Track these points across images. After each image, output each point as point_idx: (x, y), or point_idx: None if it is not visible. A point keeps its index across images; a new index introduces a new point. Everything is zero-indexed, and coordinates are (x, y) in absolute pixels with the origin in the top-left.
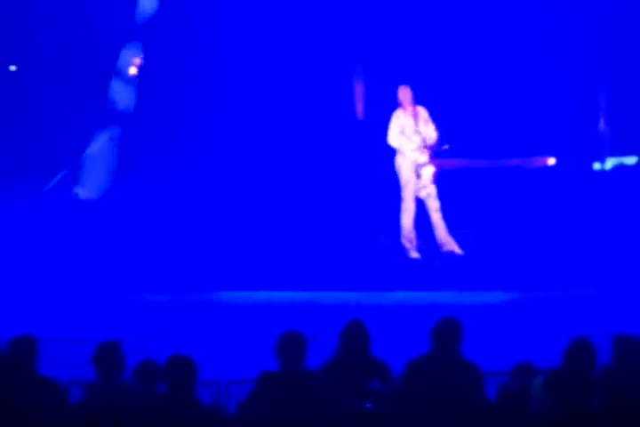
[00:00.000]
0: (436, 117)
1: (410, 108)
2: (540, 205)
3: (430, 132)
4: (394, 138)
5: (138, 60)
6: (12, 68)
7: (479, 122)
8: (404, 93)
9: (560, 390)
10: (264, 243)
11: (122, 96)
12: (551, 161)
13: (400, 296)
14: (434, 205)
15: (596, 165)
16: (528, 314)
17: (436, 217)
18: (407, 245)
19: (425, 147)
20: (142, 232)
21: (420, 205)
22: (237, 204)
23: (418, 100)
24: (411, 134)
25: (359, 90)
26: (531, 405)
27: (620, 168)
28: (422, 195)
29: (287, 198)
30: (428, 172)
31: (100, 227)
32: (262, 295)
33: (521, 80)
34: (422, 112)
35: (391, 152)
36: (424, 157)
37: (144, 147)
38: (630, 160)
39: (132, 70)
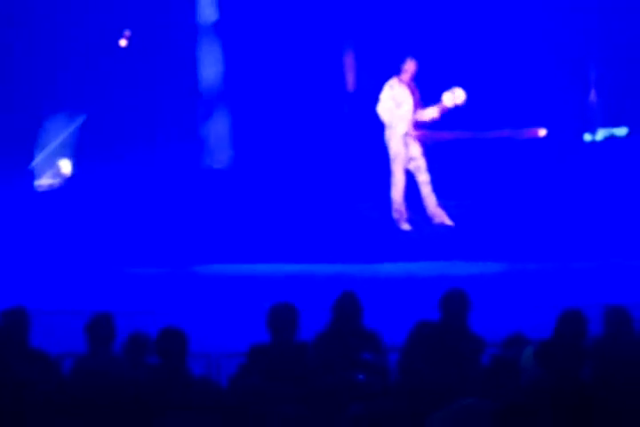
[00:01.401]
0: (426, 88)
1: (410, 82)
2: (531, 176)
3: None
4: (386, 109)
5: (128, 33)
6: None
7: (470, 93)
8: (411, 66)
9: (550, 360)
10: (256, 215)
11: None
12: (542, 132)
13: (391, 268)
14: (423, 178)
15: (587, 137)
16: (520, 285)
17: (426, 190)
18: (398, 217)
19: (416, 121)
20: (130, 207)
21: (411, 177)
22: (226, 177)
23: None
24: (404, 106)
25: (349, 61)
26: (522, 375)
27: (610, 139)
28: (411, 167)
29: (276, 171)
30: (417, 144)
31: (85, 203)
32: (253, 268)
33: (511, 52)
34: (416, 89)
35: (381, 125)
36: (413, 130)
37: (125, 122)
38: (621, 131)
39: (123, 42)
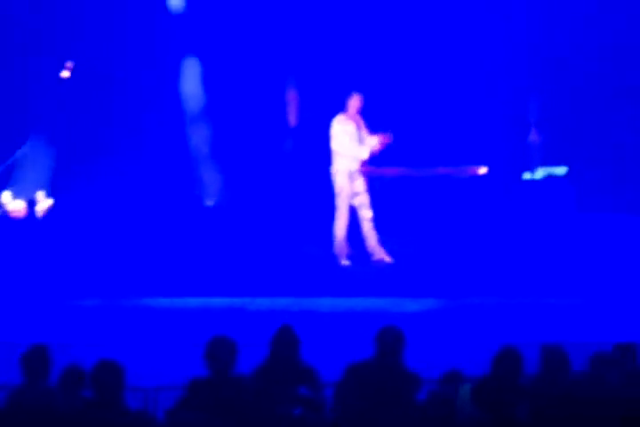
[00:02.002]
0: (368, 125)
1: (356, 116)
2: (471, 213)
3: (369, 142)
4: (342, 144)
5: (70, 64)
6: None
7: (412, 130)
8: (356, 101)
9: (486, 397)
10: (195, 249)
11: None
12: (482, 170)
13: (330, 303)
14: (366, 215)
15: (527, 175)
16: (457, 322)
17: (368, 226)
18: (338, 252)
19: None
20: (73, 237)
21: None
22: (170, 209)
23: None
24: (351, 142)
25: (292, 97)
26: (458, 412)
27: (549, 178)
28: (355, 203)
29: (219, 204)
30: (362, 180)
31: (30, 232)
32: (192, 301)
33: (453, 89)
34: (361, 123)
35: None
36: (357, 165)
37: (75, 153)
38: (560, 170)
39: (65, 73)
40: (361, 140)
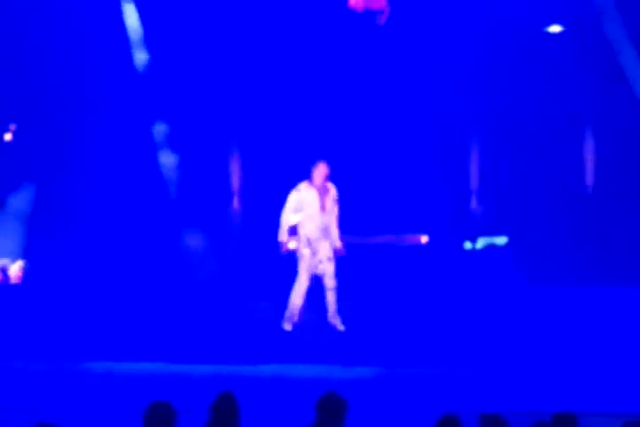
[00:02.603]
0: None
1: (320, 185)
2: (412, 282)
3: (333, 213)
4: (284, 211)
5: (13, 127)
6: None
7: (353, 198)
8: (321, 170)
9: None
10: (137, 313)
11: None
12: (424, 239)
13: (272, 369)
14: (328, 284)
15: (467, 244)
16: (397, 390)
17: (330, 296)
18: (288, 316)
19: (323, 226)
20: (21, 300)
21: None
22: (111, 275)
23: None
24: (310, 209)
25: (235, 166)
26: None
27: (490, 248)
28: (319, 271)
29: (162, 270)
30: (325, 248)
31: None
32: (133, 367)
33: (394, 158)
34: (332, 191)
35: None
36: (318, 234)
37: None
38: (501, 240)
39: (7, 136)
40: (323, 209)
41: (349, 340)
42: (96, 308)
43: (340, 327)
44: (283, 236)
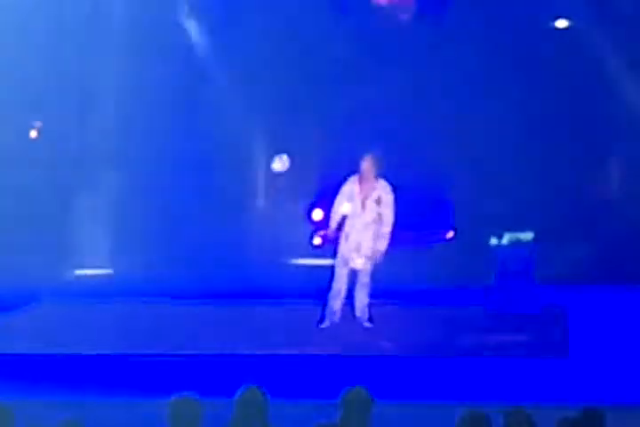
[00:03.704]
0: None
1: (366, 181)
2: (438, 278)
3: (373, 211)
4: (335, 204)
5: (38, 124)
6: None
7: None
8: (365, 164)
9: None
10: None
11: None
12: (449, 234)
13: (298, 361)
14: (362, 279)
15: (493, 240)
16: (420, 383)
17: (361, 291)
18: (328, 315)
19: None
20: None
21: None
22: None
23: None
24: (353, 205)
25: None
26: None
27: (516, 244)
28: (356, 266)
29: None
30: (366, 245)
31: None
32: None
33: (417, 155)
34: (378, 191)
35: None
36: (358, 229)
37: None
38: (526, 236)
39: (33, 133)
40: (363, 206)
41: (374, 334)
42: None
43: (367, 324)
44: (330, 225)
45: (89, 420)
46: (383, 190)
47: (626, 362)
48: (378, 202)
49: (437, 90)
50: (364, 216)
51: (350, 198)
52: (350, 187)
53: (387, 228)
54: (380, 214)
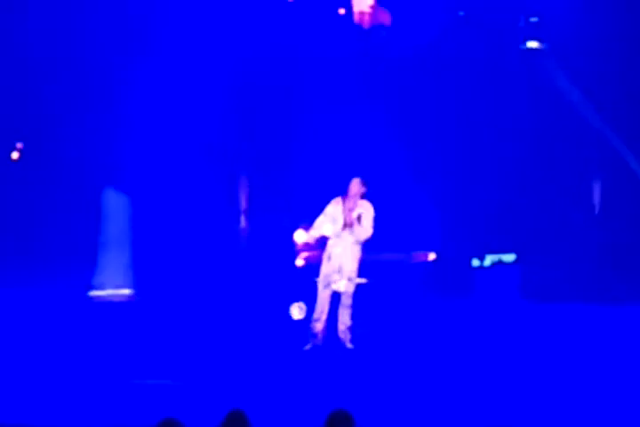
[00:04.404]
0: (317, 212)
1: (350, 201)
2: (421, 298)
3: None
4: (316, 221)
5: (20, 145)
6: None
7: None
8: (351, 186)
9: None
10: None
11: None
12: (431, 256)
13: (281, 385)
14: (345, 301)
15: (475, 262)
16: (405, 407)
17: (344, 312)
18: (311, 336)
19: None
20: None
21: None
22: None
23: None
24: (336, 225)
25: (243, 184)
26: None
27: (498, 265)
28: (337, 288)
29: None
30: (349, 266)
31: None
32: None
33: (401, 174)
34: (359, 209)
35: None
36: (341, 250)
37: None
38: (508, 258)
39: (15, 155)
40: (346, 226)
41: (357, 357)
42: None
43: (349, 345)
44: (308, 238)
45: None
46: (365, 208)
47: None
48: (359, 219)
49: (418, 113)
50: (347, 237)
51: (334, 219)
52: (334, 208)
53: (364, 234)
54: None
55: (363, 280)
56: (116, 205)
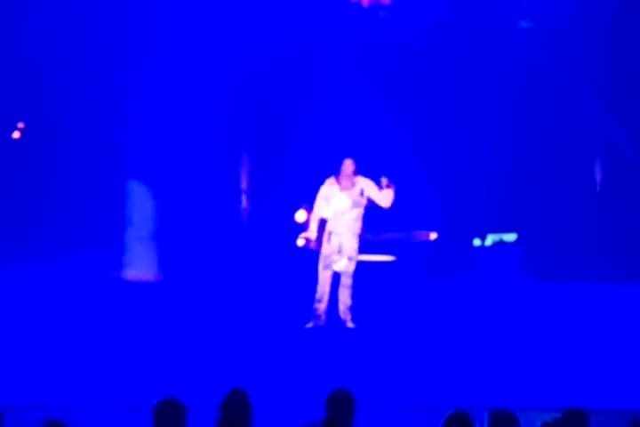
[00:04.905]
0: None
1: (345, 181)
2: (422, 279)
3: (358, 206)
4: (315, 207)
5: (21, 125)
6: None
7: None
8: (344, 167)
9: None
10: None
11: None
12: (433, 236)
13: (282, 365)
14: (345, 281)
15: (477, 242)
16: (406, 387)
17: (344, 293)
18: (313, 317)
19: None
20: None
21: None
22: None
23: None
24: (334, 205)
25: (244, 164)
26: None
27: (499, 245)
28: (337, 268)
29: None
30: (349, 245)
31: None
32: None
33: (404, 154)
34: (358, 186)
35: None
36: (341, 229)
37: None
38: (509, 237)
39: (16, 134)
40: (337, 201)
41: (358, 336)
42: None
43: (350, 324)
44: (310, 227)
45: (72, 423)
46: (363, 183)
47: None
48: (362, 193)
49: (419, 95)
50: (348, 214)
51: (330, 199)
52: (329, 188)
53: (386, 204)
54: (367, 202)
55: (391, 258)
56: (138, 191)
